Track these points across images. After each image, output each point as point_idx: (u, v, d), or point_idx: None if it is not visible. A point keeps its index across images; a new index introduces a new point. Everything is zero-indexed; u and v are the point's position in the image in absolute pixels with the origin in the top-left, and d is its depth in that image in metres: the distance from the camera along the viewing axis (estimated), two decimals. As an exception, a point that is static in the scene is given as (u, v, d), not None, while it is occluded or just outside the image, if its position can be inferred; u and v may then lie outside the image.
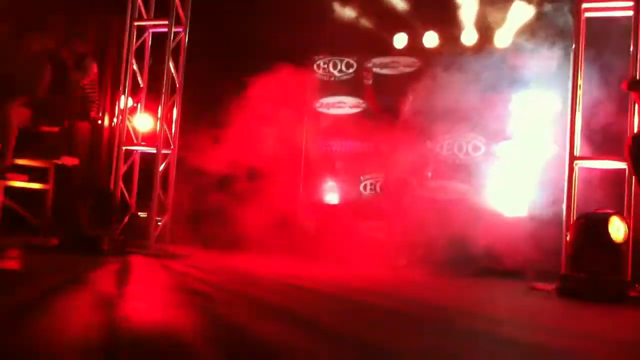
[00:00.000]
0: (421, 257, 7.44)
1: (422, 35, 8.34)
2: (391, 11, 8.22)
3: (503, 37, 7.74)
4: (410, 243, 7.04)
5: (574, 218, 5.26)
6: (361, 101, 8.22)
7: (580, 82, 5.61)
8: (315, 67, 8.79)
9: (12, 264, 4.09)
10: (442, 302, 4.14)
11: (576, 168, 5.46)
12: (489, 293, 5.20)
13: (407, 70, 8.36)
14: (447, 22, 8.03)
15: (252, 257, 7.01)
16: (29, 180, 6.21)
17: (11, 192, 6.05)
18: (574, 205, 5.40)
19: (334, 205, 8.06)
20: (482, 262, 6.80)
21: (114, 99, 6.99)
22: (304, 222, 8.27)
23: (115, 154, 6.82)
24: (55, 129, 6.48)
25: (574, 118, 5.53)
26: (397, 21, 8.32)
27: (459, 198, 7.49)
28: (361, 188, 8.31)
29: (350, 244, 7.53)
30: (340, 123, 8.51)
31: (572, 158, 5.45)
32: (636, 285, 4.79)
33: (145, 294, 3.60)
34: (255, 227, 7.83)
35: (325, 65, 8.76)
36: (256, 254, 7.29)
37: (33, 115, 6.22)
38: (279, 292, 4.09)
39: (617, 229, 4.77)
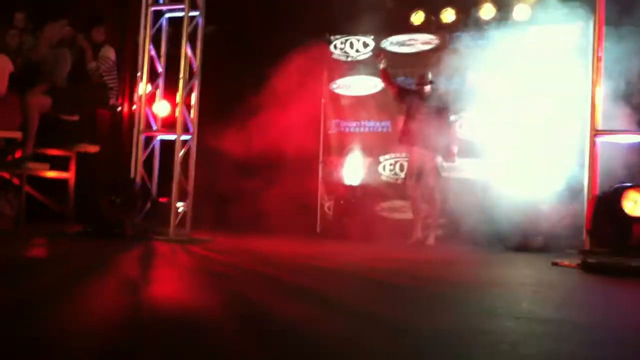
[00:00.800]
0: (447, 234, 7.46)
1: (439, 11, 8.27)
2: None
3: (522, 10, 7.65)
4: (432, 221, 7.02)
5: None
6: (379, 80, 8.14)
7: (601, 54, 5.52)
8: (332, 47, 8.75)
9: (38, 251, 4.15)
10: (465, 279, 4.14)
11: (598, 142, 5.40)
12: (513, 268, 5.18)
13: (425, 47, 8.29)
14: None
15: (273, 239, 7.04)
16: (51, 169, 6.26)
17: (33, 180, 6.11)
18: (596, 180, 5.35)
19: (353, 186, 8.04)
20: (508, 239, 6.79)
21: (133, 86, 7.01)
22: (325, 203, 8.30)
23: (135, 140, 6.86)
24: (76, 117, 6.52)
25: (595, 91, 5.46)
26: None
27: (481, 177, 7.44)
28: (380, 169, 8.29)
29: (371, 224, 7.56)
30: (359, 103, 8.48)
31: (594, 132, 5.39)
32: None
33: (166, 277, 3.63)
34: (276, 209, 7.88)
35: (343, 45, 8.71)
36: (278, 236, 7.33)
37: (53, 103, 6.26)
38: (302, 272, 4.10)
39: (634, 203, 4.70)
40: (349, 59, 8.65)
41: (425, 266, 5.12)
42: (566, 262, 5.00)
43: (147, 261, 4.54)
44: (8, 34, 6.07)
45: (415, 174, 7.01)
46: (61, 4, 7.65)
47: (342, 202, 7.91)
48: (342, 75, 8.64)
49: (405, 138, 7.18)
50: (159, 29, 7.07)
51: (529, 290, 3.70)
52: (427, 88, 7.15)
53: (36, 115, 6.00)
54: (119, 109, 7.13)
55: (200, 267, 4.31)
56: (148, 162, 6.85)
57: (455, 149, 7.06)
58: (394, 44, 8.42)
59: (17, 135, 5.93)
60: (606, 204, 4.86)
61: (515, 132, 7.17)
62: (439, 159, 7.08)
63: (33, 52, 6.22)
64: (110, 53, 7.10)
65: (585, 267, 4.68)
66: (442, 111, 7.07)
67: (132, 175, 6.74)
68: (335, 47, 8.74)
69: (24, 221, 5.89)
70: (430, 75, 7.26)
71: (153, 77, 7.00)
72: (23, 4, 7.25)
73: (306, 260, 5.11)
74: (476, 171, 7.58)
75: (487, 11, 7.91)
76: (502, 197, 6.99)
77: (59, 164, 6.35)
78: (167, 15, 7.08)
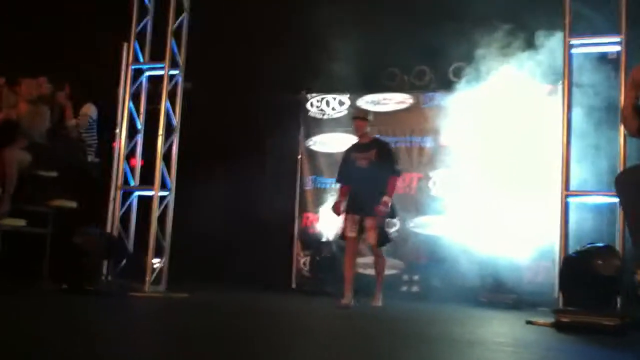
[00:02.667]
0: (420, 291, 7.51)
1: (413, 71, 8.50)
2: (382, 48, 8.36)
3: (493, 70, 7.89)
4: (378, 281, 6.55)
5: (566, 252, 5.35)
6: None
7: (570, 116, 5.73)
8: (308, 104, 8.91)
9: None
10: (442, 337, 4.19)
11: (569, 202, 5.56)
12: (489, 326, 5.24)
13: (399, 107, 8.49)
14: (438, 57, 8.17)
15: (249, 294, 7.03)
16: (28, 225, 6.24)
17: (10, 236, 6.08)
18: (567, 239, 5.49)
19: (329, 242, 8.09)
20: (481, 295, 6.89)
21: (112, 142, 7.06)
22: (301, 259, 8.33)
23: (112, 196, 6.88)
24: (54, 173, 6.52)
25: (565, 152, 5.63)
26: (388, 58, 8.47)
27: (454, 234, 7.56)
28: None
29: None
30: (335, 160, 8.58)
31: (565, 192, 5.55)
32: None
33: (119, 334, 3.62)
34: (253, 264, 7.91)
35: (319, 103, 8.88)
36: (254, 291, 7.33)
37: (32, 159, 6.28)
38: (265, 329, 4.12)
39: (607, 263, 4.83)
40: (325, 116, 8.81)
41: (401, 323, 5.17)
42: (540, 321, 5.08)
43: (109, 318, 4.52)
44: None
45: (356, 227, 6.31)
46: (40, 60, 7.73)
47: (317, 257, 7.96)
48: (318, 132, 8.78)
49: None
50: (139, 86, 7.18)
51: (508, 350, 3.76)
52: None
53: (14, 171, 6.00)
54: (97, 165, 7.15)
55: (161, 324, 4.29)
56: (125, 218, 6.87)
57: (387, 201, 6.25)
58: (369, 102, 8.61)
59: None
60: (578, 263, 4.98)
61: (488, 189, 7.34)
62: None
63: (12, 109, 6.25)
64: (90, 110, 7.16)
65: (559, 326, 4.76)
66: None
67: (108, 230, 6.74)
68: (311, 104, 8.90)
69: (0, 278, 5.82)
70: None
71: (132, 133, 7.07)
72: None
73: (272, 316, 5.13)
74: (449, 228, 7.70)
75: (459, 71, 8.15)
76: (474, 253, 7.13)
77: (36, 219, 6.32)
78: (147, 73, 7.20)
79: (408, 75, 8.58)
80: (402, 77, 8.58)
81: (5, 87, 6.55)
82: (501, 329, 5.12)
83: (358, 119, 6.56)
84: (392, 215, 6.53)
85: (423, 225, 7.88)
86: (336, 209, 6.49)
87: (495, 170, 7.33)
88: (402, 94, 8.52)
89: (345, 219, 6.36)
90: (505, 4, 7.02)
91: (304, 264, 8.33)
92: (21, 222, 6.17)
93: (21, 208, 6.22)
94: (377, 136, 6.99)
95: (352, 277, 6.29)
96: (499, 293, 6.89)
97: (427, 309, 6.51)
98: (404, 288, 7.63)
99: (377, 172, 6.28)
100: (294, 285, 8.32)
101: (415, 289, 7.56)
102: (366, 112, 6.81)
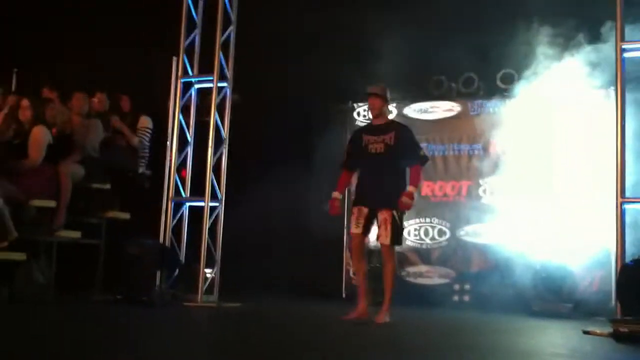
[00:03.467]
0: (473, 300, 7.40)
1: (460, 78, 8.41)
2: (429, 56, 8.31)
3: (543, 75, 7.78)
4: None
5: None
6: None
7: (623, 121, 5.61)
8: (354, 114, 8.90)
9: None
10: (498, 348, 4.12)
11: (625, 209, 5.43)
12: (543, 336, 5.14)
13: (447, 115, 8.41)
14: (485, 64, 8.08)
15: (300, 304, 7.05)
16: (82, 236, 6.37)
17: (65, 248, 6.21)
18: (623, 246, 5.37)
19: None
20: (536, 304, 6.75)
21: (163, 153, 7.19)
22: (350, 268, 8.31)
23: (164, 207, 7.00)
24: (107, 186, 6.66)
25: (619, 158, 5.52)
26: (435, 65, 8.41)
27: (507, 242, 7.44)
28: (405, 233, 8.30)
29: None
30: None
31: (621, 199, 5.43)
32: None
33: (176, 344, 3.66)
34: (303, 274, 7.93)
35: (365, 113, 8.86)
36: (304, 300, 7.34)
37: (85, 172, 6.42)
38: (316, 340, 4.10)
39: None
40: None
41: (454, 334, 5.10)
42: (598, 331, 4.96)
43: (163, 328, 4.58)
44: (48, 106, 6.28)
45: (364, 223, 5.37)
46: (92, 75, 7.92)
47: (366, 267, 7.91)
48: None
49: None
50: (188, 99, 7.30)
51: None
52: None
53: (69, 184, 6.14)
54: (149, 176, 7.29)
55: (214, 334, 4.31)
56: (177, 228, 6.97)
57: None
58: (416, 111, 8.56)
59: (51, 204, 6.07)
60: (635, 272, 4.86)
61: (541, 196, 7.22)
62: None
63: (66, 123, 6.41)
64: (148, 123, 7.30)
65: (617, 337, 4.64)
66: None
67: (161, 241, 6.85)
68: (358, 114, 8.89)
69: (55, 289, 5.96)
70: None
71: (182, 144, 7.19)
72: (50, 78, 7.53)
73: (325, 326, 5.12)
74: (500, 236, 7.59)
75: (507, 77, 8.04)
76: (527, 261, 7.01)
77: (90, 231, 6.45)
78: (196, 85, 7.31)
79: (455, 83, 8.50)
80: (450, 85, 8.50)
81: (58, 102, 6.71)
82: (557, 339, 5.02)
83: (373, 95, 5.47)
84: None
85: (474, 234, 7.78)
86: (333, 207, 5.47)
87: (547, 176, 7.21)
88: (450, 102, 8.43)
89: (352, 213, 5.45)
90: (555, 7, 6.92)
91: (354, 273, 8.30)
92: (76, 234, 6.31)
93: (76, 220, 6.36)
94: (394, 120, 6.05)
95: (366, 283, 5.44)
96: (554, 302, 6.74)
97: (479, 319, 6.41)
98: (455, 297, 7.54)
99: (395, 158, 5.30)
100: (344, 295, 8.30)
101: (466, 298, 7.46)
102: (382, 87, 5.58)
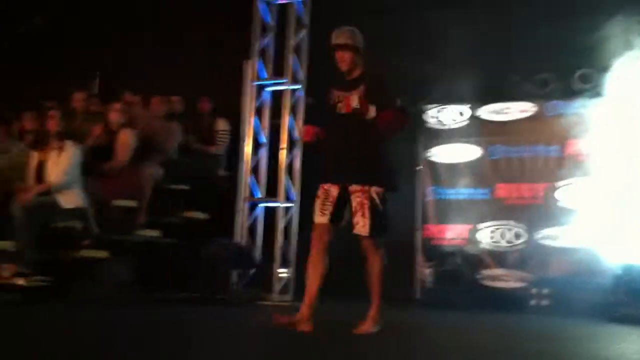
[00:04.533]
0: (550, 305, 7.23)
1: (535, 78, 8.25)
2: (503, 56, 8.18)
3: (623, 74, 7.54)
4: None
5: None
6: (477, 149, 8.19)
7: None
8: (426, 115, 8.83)
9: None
10: (582, 357, 4.02)
11: None
12: (626, 342, 4.98)
13: (522, 115, 8.25)
14: (561, 63, 7.91)
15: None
16: (162, 236, 6.53)
17: (145, 247, 6.38)
18: None
19: (453, 253, 7.97)
20: (615, 307, 6.55)
21: (238, 155, 7.32)
22: (425, 270, 8.25)
23: (239, 207, 7.11)
24: (185, 187, 6.82)
25: None
26: (509, 66, 8.27)
27: (586, 244, 7.25)
28: (479, 236, 8.19)
29: (472, 292, 7.47)
30: (456, 171, 8.45)
31: None
32: None
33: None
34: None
35: (437, 114, 8.78)
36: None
37: (165, 174, 6.58)
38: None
39: None
40: (444, 127, 8.70)
41: (531, 340, 4.97)
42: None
43: (239, 327, 4.63)
44: (131, 110, 6.49)
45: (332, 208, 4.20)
46: (170, 79, 8.11)
47: (441, 269, 7.85)
48: (437, 144, 8.67)
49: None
50: (262, 101, 7.41)
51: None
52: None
53: (150, 186, 6.32)
54: (226, 177, 7.42)
55: (290, 333, 4.31)
56: (253, 229, 7.08)
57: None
58: (491, 112, 8.43)
59: (133, 204, 6.25)
60: None
61: (622, 198, 7.00)
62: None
63: (147, 126, 6.60)
64: (225, 125, 7.42)
65: None
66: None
67: (236, 241, 6.97)
68: (430, 115, 8.82)
69: (135, 287, 6.12)
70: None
71: (256, 146, 7.29)
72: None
73: (398, 329, 5.09)
74: (579, 239, 7.39)
75: (585, 78, 7.84)
76: (608, 265, 6.81)
77: (169, 231, 6.61)
78: (270, 88, 7.41)
79: (530, 83, 8.33)
80: (524, 85, 8.34)
81: (139, 106, 6.91)
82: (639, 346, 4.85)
83: (340, 47, 4.31)
84: (393, 186, 4.38)
85: (552, 237, 7.59)
86: (306, 131, 4.31)
87: (629, 178, 6.98)
88: (525, 103, 8.27)
89: (317, 196, 4.27)
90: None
91: (427, 275, 8.23)
92: (155, 233, 6.47)
93: (155, 220, 6.52)
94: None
95: (317, 289, 4.38)
96: (637, 307, 6.52)
97: (558, 324, 6.25)
98: (533, 302, 7.36)
99: (367, 120, 4.10)
100: (417, 297, 8.24)
101: (544, 302, 7.28)
102: (350, 34, 4.37)
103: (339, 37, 4.40)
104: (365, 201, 4.14)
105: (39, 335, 3.58)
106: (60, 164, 5.84)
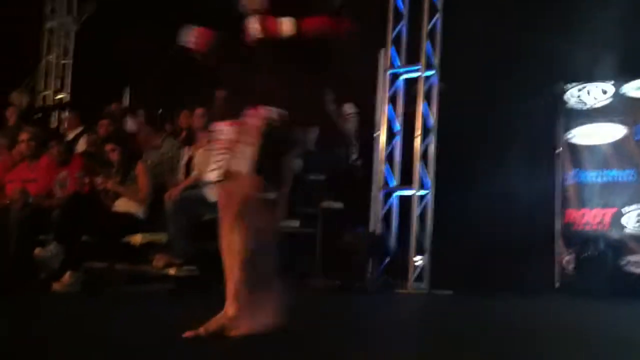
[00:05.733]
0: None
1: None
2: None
3: None
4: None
5: None
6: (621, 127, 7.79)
7: None
8: (566, 95, 8.50)
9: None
10: None
11: None
12: None
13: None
14: None
15: (508, 295, 6.93)
16: (301, 225, 6.75)
17: (285, 237, 6.61)
18: None
19: (595, 239, 7.68)
20: None
21: (371, 143, 7.40)
22: (564, 257, 8.02)
23: (374, 196, 7.21)
24: (322, 177, 6.99)
25: None
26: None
27: None
28: (624, 220, 7.83)
29: (616, 280, 7.18)
30: (599, 152, 8.11)
31: None
32: None
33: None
34: (509, 263, 7.77)
35: (578, 93, 8.43)
36: (511, 292, 7.20)
37: (304, 165, 6.76)
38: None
39: None
40: (586, 107, 8.34)
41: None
42: None
43: (379, 315, 4.72)
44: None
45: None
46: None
47: (583, 255, 7.60)
48: (579, 124, 8.34)
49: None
50: (396, 89, 7.43)
51: None
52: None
53: (290, 177, 6.51)
54: (360, 166, 7.52)
55: (428, 322, 4.34)
56: (387, 217, 7.16)
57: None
58: (636, 89, 8.00)
59: (272, 195, 6.47)
60: None
61: None
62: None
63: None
64: (351, 109, 7.52)
65: None
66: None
67: (372, 230, 7.09)
68: (570, 95, 8.48)
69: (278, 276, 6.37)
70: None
71: (390, 135, 7.34)
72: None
73: (541, 318, 4.99)
74: None
75: None
76: None
77: (308, 221, 6.82)
78: (404, 76, 7.41)
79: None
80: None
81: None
82: None
83: None
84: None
85: None
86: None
87: None
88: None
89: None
90: None
91: (568, 262, 7.99)
92: (295, 223, 6.70)
93: (294, 210, 6.74)
94: None
95: (244, 273, 3.04)
96: None
97: None
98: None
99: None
100: (557, 285, 8.02)
101: None
102: None
103: None
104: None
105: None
106: (207, 159, 6.15)
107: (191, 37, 3.19)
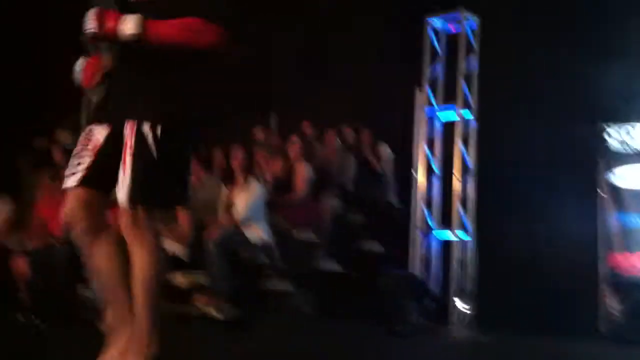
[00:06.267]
0: None
1: None
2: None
3: None
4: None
5: None
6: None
7: None
8: (606, 136, 8.37)
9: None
10: None
11: None
12: None
13: None
14: None
15: (552, 338, 6.73)
16: (341, 267, 6.65)
17: (326, 278, 6.53)
18: None
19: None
20: None
21: (408, 184, 7.32)
22: (608, 301, 7.80)
23: (413, 237, 7.10)
24: (361, 217, 6.92)
25: None
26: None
27: None
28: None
29: None
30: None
31: None
32: None
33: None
34: (551, 305, 7.57)
35: (618, 134, 8.29)
36: (556, 335, 7.00)
37: (342, 205, 6.73)
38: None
39: None
40: (627, 148, 8.19)
41: None
42: None
43: None
44: (308, 142, 6.72)
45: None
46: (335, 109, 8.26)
47: (630, 302, 7.37)
48: (619, 165, 8.18)
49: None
50: (433, 129, 7.37)
51: None
52: None
53: (328, 218, 6.48)
54: (397, 206, 7.45)
55: None
56: (427, 259, 7.03)
57: None
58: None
59: (312, 236, 6.43)
60: None
61: None
62: None
63: (323, 159, 6.78)
64: (388, 152, 7.47)
65: None
66: None
67: (411, 272, 6.95)
68: (610, 135, 8.34)
69: (318, 318, 6.27)
70: None
71: (429, 175, 7.26)
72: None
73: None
74: None
75: None
76: None
77: (347, 262, 6.72)
78: (440, 116, 7.35)
79: None
80: None
81: (314, 138, 7.12)
82: None
83: None
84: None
85: None
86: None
87: None
88: None
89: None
90: None
91: (613, 308, 7.76)
92: (335, 265, 6.61)
93: (333, 251, 6.66)
94: None
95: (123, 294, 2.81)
96: None
97: None
98: None
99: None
100: (602, 330, 7.78)
101: None
102: None
103: None
104: (129, 141, 2.70)
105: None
106: (245, 199, 6.13)
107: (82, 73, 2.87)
